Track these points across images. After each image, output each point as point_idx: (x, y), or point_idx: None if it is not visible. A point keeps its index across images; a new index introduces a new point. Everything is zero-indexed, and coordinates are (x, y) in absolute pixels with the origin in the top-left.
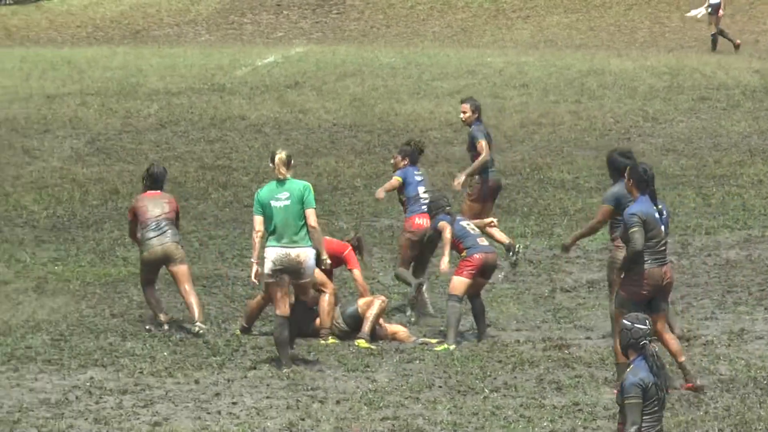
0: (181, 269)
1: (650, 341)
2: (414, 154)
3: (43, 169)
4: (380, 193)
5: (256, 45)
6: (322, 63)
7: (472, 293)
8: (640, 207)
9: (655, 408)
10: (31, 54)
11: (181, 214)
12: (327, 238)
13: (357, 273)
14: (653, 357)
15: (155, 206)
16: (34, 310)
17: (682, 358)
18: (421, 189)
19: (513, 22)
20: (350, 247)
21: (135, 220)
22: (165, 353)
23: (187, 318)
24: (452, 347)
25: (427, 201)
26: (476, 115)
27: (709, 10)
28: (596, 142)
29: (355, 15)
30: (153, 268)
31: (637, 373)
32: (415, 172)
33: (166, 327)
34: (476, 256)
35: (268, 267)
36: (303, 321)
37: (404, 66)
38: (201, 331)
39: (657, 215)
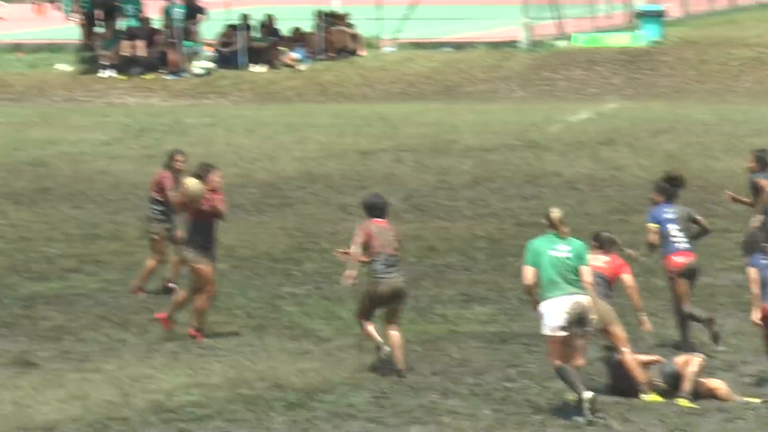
0: (400, 309)
1: None
2: (667, 189)
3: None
4: (651, 236)
5: (569, 101)
6: (635, 119)
7: None
8: None
9: None
10: (345, 110)
11: (499, 271)
12: (599, 260)
13: (629, 278)
14: None
15: (387, 240)
16: (356, 367)
17: None
18: (672, 227)
19: None
20: (617, 255)
21: (361, 242)
22: (487, 411)
23: (510, 375)
24: None
25: (679, 239)
26: (759, 165)
27: None
28: None
29: (667, 71)
30: (376, 304)
31: None
32: (665, 209)
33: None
34: (766, 305)
35: (561, 318)
36: (622, 379)
37: (717, 122)
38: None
39: None
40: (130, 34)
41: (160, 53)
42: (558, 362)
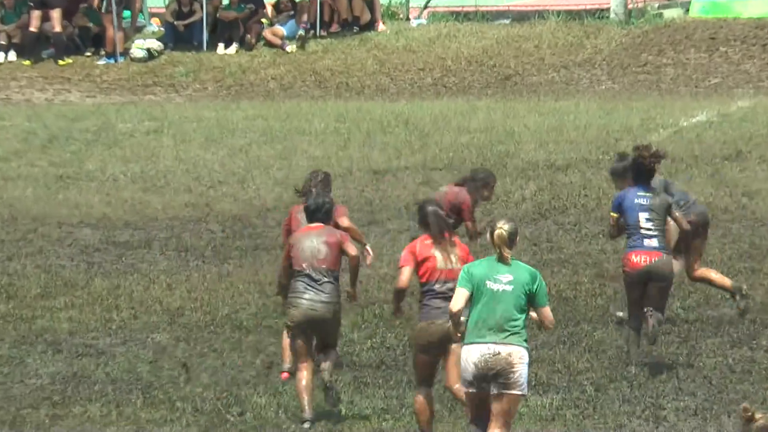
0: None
1: None
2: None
3: None
4: None
5: (679, 96)
6: None
7: None
8: None
9: None
10: (352, 110)
11: (565, 344)
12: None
13: None
14: None
15: (311, 242)
16: None
17: None
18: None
19: None
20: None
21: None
22: None
23: None
24: None
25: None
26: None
27: None
28: None
29: None
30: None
31: None
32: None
33: None
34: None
35: (468, 372)
36: None
37: None
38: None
39: None
40: (41, 2)
41: (83, 28)
42: (471, 425)
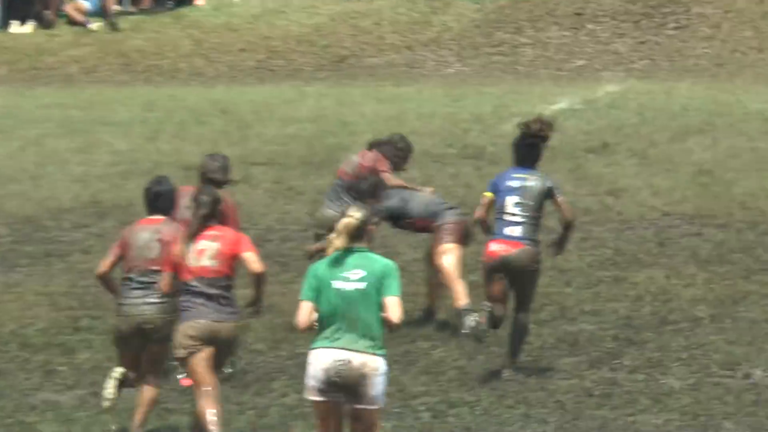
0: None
1: None
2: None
3: None
4: None
5: (539, 80)
6: (649, 110)
7: None
8: None
9: None
10: (163, 96)
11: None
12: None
13: (253, 256)
14: None
15: (143, 239)
16: None
17: None
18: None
19: None
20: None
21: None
22: None
23: None
24: None
25: None
26: None
27: None
28: None
29: (706, 31)
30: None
31: None
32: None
33: None
34: None
35: (315, 379)
36: None
37: None
38: None
39: None
40: None
41: None
42: None
